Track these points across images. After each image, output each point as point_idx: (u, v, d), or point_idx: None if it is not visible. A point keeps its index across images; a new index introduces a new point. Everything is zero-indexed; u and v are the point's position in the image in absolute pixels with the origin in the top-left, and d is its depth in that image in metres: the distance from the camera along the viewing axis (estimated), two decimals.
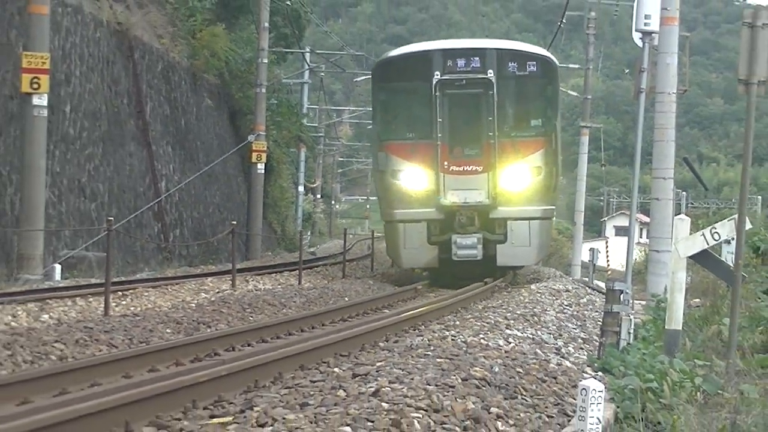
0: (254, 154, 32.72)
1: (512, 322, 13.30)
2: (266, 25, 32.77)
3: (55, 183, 20.40)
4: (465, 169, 22.23)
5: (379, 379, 7.49)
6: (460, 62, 22.18)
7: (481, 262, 22.10)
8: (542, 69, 22.69)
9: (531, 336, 12.12)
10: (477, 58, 22.22)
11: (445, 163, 22.08)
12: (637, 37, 18.23)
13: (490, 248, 22.10)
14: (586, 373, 9.83)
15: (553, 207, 24.32)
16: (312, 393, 7.17)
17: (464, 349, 9.92)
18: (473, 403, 6.96)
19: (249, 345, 11.48)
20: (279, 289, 19.32)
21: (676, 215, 16.35)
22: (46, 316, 13.14)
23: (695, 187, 63.75)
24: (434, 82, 21.92)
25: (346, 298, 18.58)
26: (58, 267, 18.84)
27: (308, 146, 52.44)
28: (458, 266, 22.34)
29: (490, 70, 22.03)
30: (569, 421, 7.27)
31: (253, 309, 15.31)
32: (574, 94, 47.02)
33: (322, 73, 56.76)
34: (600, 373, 9.83)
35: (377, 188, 24.93)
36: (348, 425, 5.87)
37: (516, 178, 22.25)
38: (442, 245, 22.19)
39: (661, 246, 17.28)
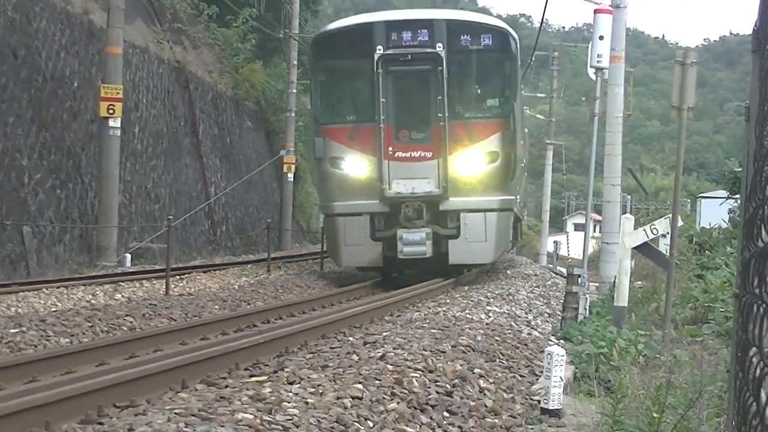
0: (285, 166, 32.66)
1: (492, 300, 13.28)
2: (295, 62, 32.70)
3: (126, 189, 20.43)
4: (412, 155, 16.12)
5: (385, 346, 7.48)
6: (406, 35, 16.00)
7: (431, 260, 16.26)
8: (499, 42, 16.31)
9: (507, 311, 12.11)
10: (425, 31, 15.99)
11: (390, 148, 16.00)
12: (591, 71, 18.23)
13: (441, 244, 16.19)
14: (551, 341, 9.82)
15: (513, 197, 17.44)
16: (331, 357, 7.16)
17: (453, 321, 9.90)
18: (460, 365, 6.95)
19: (281, 318, 11.47)
20: (305, 273, 19.30)
21: (622, 214, 16.33)
22: (119, 295, 13.17)
23: (638, 192, 63.63)
24: (376, 58, 15.78)
25: (359, 281, 18.54)
26: (128, 256, 18.85)
27: None
28: (405, 265, 16.95)
29: (440, 44, 15.86)
30: (537, 379, 7.27)
31: (284, 289, 15.30)
32: (541, 117, 46.95)
33: None
34: (562, 341, 9.82)
35: (314, 178, 18.55)
36: (360, 383, 5.86)
37: (470, 165, 16.07)
38: (386, 242, 16.24)
39: (611, 239, 17.23)
